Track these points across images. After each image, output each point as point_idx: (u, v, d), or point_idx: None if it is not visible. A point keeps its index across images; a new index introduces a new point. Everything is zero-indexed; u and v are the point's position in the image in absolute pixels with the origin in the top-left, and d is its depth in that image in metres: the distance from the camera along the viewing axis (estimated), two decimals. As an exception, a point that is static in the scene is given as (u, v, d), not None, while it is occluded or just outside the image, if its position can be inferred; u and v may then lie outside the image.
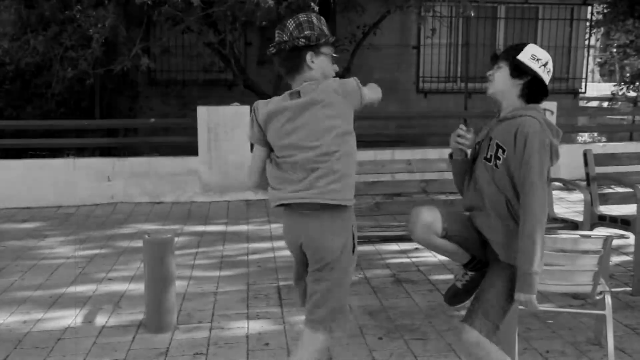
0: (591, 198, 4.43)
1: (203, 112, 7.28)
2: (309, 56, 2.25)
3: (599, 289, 3.01)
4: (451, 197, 4.90)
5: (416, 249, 5.22)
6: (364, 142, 8.66)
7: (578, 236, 3.13)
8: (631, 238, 4.17)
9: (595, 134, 12.86)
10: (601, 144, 10.00)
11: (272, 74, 9.08)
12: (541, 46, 2.72)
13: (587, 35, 11.17)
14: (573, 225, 4.26)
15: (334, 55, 2.33)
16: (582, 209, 4.40)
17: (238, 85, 8.92)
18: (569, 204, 6.81)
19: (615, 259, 4.87)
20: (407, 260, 4.98)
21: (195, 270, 4.75)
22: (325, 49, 2.29)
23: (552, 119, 7.97)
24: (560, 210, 6.01)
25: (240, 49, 9.61)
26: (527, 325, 3.62)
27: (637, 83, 10.74)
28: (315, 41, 2.24)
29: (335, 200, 2.24)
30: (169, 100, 10.18)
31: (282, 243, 5.53)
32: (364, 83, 2.36)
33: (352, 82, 2.28)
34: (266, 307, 3.98)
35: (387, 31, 9.79)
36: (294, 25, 2.25)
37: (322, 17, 2.33)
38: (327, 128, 2.22)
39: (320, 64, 2.28)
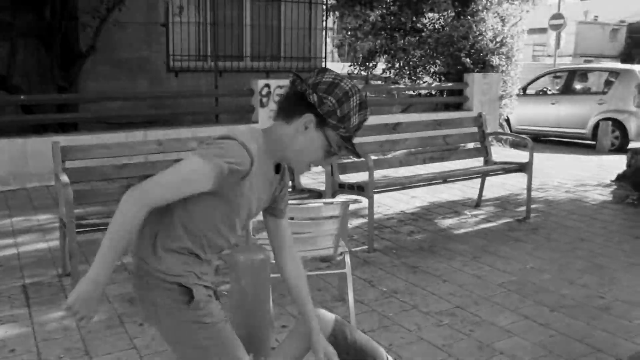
0: (332, 168, 4.88)
1: None
2: (305, 117, 1.73)
3: (340, 250, 3.37)
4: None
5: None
6: (114, 124, 8.35)
7: (322, 204, 3.44)
8: (365, 202, 4.70)
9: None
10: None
11: (4, 50, 8.14)
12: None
13: (324, 18, 12.06)
14: (318, 194, 4.67)
15: (336, 153, 1.81)
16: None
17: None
18: (315, 175, 7.37)
19: (354, 222, 5.46)
20: (166, 242, 4.93)
21: None
22: (330, 132, 1.75)
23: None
24: (306, 181, 6.49)
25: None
26: (280, 292, 3.87)
27: (368, 63, 11.96)
28: (321, 109, 1.70)
29: None
30: None
31: (25, 238, 5.06)
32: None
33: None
34: (10, 309, 3.63)
35: (134, 8, 9.38)
36: (330, 79, 1.73)
37: (366, 109, 1.77)
38: None
39: (309, 138, 1.75)
